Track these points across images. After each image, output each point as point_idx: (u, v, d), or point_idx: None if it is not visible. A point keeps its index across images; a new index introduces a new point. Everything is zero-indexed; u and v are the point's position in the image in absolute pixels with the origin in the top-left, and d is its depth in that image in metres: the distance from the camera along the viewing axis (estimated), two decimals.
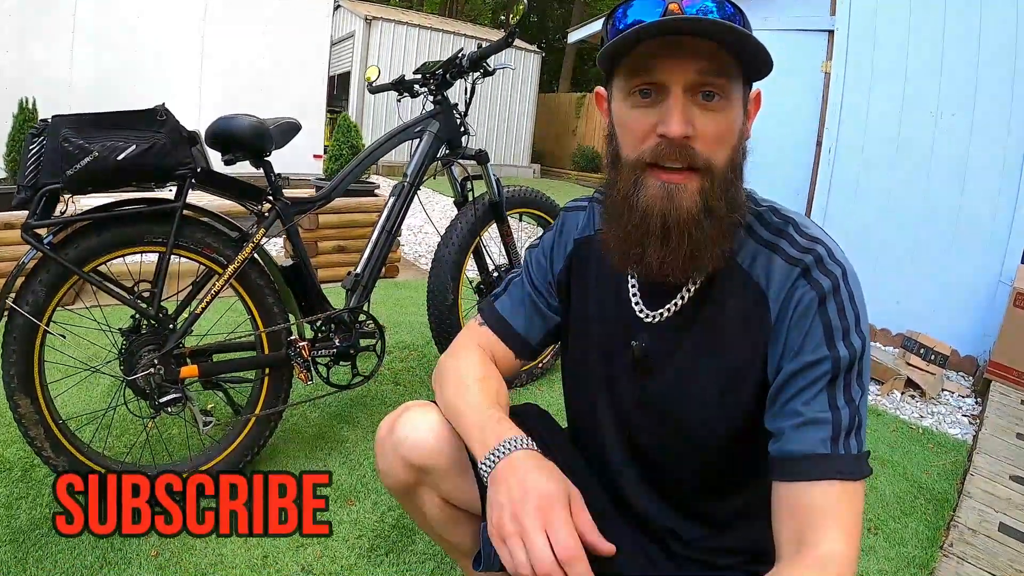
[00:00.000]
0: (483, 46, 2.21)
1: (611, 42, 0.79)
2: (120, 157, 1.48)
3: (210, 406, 2.20)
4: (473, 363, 1.04)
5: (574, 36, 9.12)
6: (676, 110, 0.77)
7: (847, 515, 0.74)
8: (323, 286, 2.04)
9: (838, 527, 0.73)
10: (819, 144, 3.89)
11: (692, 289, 0.90)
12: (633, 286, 0.96)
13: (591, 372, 1.04)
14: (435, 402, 1.05)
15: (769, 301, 0.83)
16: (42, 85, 5.50)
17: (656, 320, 0.93)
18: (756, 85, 0.86)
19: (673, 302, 0.91)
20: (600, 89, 0.93)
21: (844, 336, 0.79)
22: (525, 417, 1.13)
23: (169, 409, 1.68)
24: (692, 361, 0.90)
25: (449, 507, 1.08)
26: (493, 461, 0.85)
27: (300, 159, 7.09)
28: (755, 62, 0.79)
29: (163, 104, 1.57)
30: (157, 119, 1.55)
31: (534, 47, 15.08)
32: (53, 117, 1.46)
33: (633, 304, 0.96)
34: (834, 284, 0.80)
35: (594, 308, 1.02)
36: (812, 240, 0.83)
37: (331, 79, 9.74)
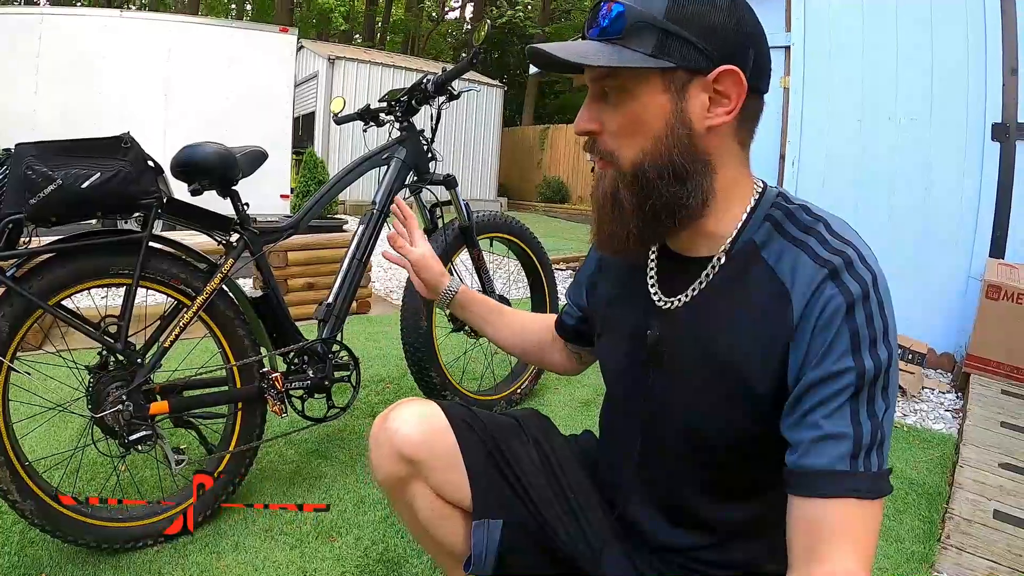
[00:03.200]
0: (446, 69, 2.22)
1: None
2: (84, 185, 1.43)
3: (183, 447, 2.13)
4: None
5: (534, 68, 9.27)
6: (583, 108, 0.87)
7: (862, 534, 0.72)
8: (296, 323, 2.00)
9: (851, 545, 0.71)
10: (782, 157, 3.97)
11: (709, 277, 0.88)
12: (652, 274, 0.96)
13: (611, 363, 1.05)
14: (430, 399, 1.07)
15: (792, 300, 0.79)
16: (6, 124, 5.45)
17: (671, 307, 0.92)
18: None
19: (690, 289, 0.90)
20: None
21: (871, 346, 0.75)
22: (526, 422, 1.14)
23: (139, 447, 1.61)
24: (703, 351, 0.88)
25: (440, 502, 1.06)
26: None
27: (268, 200, 7.07)
28: (678, 58, 0.79)
29: (127, 132, 1.54)
30: (122, 147, 1.51)
31: (496, 82, 15.31)
32: (17, 145, 1.42)
33: (651, 290, 0.95)
34: (864, 290, 0.76)
35: (617, 298, 1.03)
36: (843, 242, 0.80)
37: (296, 120, 9.76)
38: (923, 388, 3.08)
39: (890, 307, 0.79)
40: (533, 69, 9.38)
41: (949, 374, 3.35)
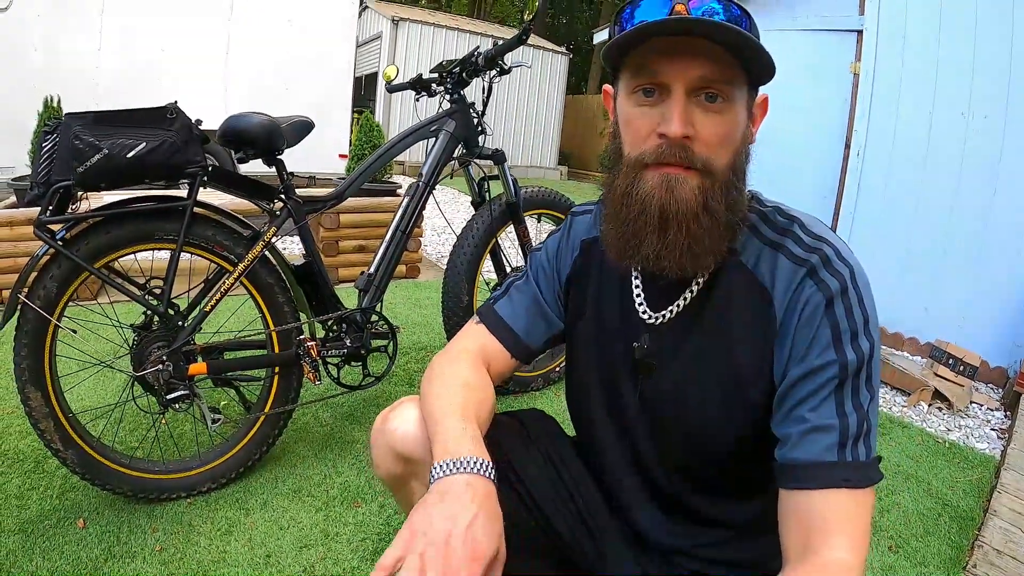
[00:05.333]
0: (498, 43, 2.19)
1: (614, 40, 0.79)
2: (130, 155, 1.49)
3: (222, 403, 2.21)
4: (464, 367, 1.00)
5: (599, 37, 9.04)
6: (676, 111, 0.76)
7: (854, 523, 0.73)
8: (344, 286, 2.03)
9: (844, 535, 0.72)
10: (847, 146, 3.80)
11: (695, 290, 0.88)
12: (637, 287, 0.95)
13: (593, 375, 1.02)
14: None
15: (775, 302, 0.81)
16: (70, 83, 5.63)
17: (659, 321, 0.92)
18: (768, 88, 0.85)
19: (676, 303, 0.90)
20: (608, 87, 0.92)
21: (852, 339, 0.77)
22: (531, 424, 1.12)
23: (177, 406, 1.68)
24: (695, 363, 0.89)
25: None
26: (441, 472, 0.79)
27: (326, 159, 7.14)
28: (758, 66, 0.78)
29: (175, 102, 1.58)
30: (167, 117, 1.55)
31: (562, 48, 15.02)
32: (66, 115, 1.48)
33: (636, 305, 0.94)
34: (842, 285, 0.78)
35: (598, 310, 1.01)
36: (818, 239, 0.82)
37: (358, 79, 9.79)
38: (971, 403, 2.94)
39: (870, 299, 0.79)
40: (600, 36, 9.14)
41: (1000, 390, 3.18)
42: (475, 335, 1.07)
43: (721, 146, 0.79)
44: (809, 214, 0.87)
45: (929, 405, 2.88)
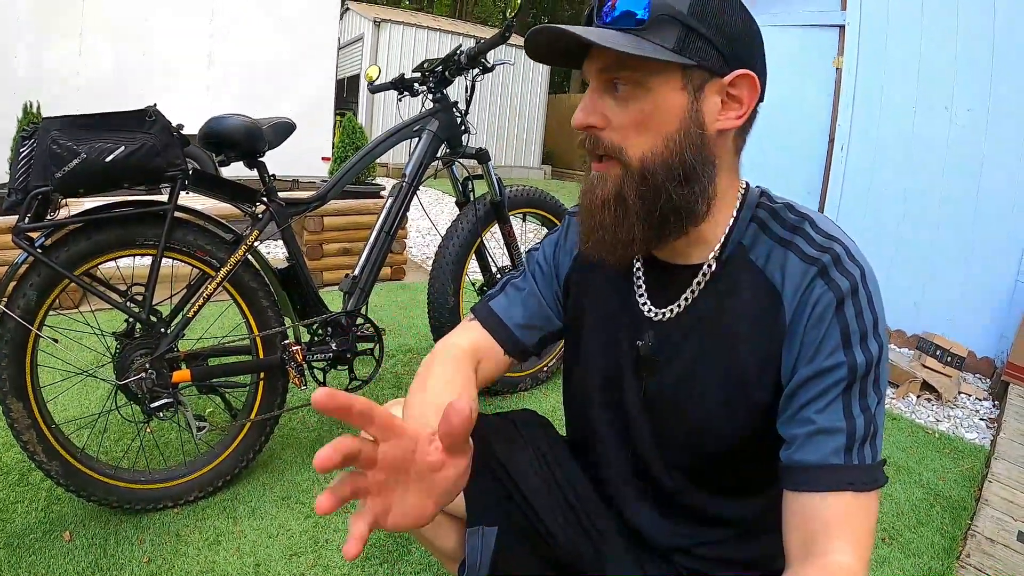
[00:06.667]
0: (482, 41, 2.17)
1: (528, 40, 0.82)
2: (108, 159, 1.46)
3: (208, 410, 2.18)
4: (448, 368, 0.96)
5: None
6: (583, 100, 0.81)
7: (858, 526, 0.72)
8: (328, 289, 2.01)
9: (848, 539, 0.71)
10: (831, 141, 3.82)
11: (703, 283, 0.87)
12: (639, 281, 0.94)
13: (593, 373, 1.01)
14: None
15: (784, 301, 0.80)
16: (52, 88, 5.55)
17: (664, 318, 0.90)
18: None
19: (683, 298, 0.88)
20: None
21: (862, 340, 0.76)
22: (523, 425, 1.11)
23: (161, 415, 1.65)
24: (699, 360, 0.87)
25: None
26: None
27: (309, 162, 7.09)
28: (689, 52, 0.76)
29: (154, 105, 1.55)
30: (147, 120, 1.52)
31: None
32: (43, 119, 1.44)
33: (639, 301, 0.93)
34: (853, 285, 0.77)
35: (599, 307, 1.00)
36: (829, 238, 0.80)
37: (340, 82, 9.72)
38: (959, 393, 2.96)
39: (879, 300, 0.79)
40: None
41: (988, 380, 3.22)
42: (468, 332, 1.06)
43: (635, 134, 0.79)
44: (819, 212, 0.86)
45: (918, 396, 2.90)
